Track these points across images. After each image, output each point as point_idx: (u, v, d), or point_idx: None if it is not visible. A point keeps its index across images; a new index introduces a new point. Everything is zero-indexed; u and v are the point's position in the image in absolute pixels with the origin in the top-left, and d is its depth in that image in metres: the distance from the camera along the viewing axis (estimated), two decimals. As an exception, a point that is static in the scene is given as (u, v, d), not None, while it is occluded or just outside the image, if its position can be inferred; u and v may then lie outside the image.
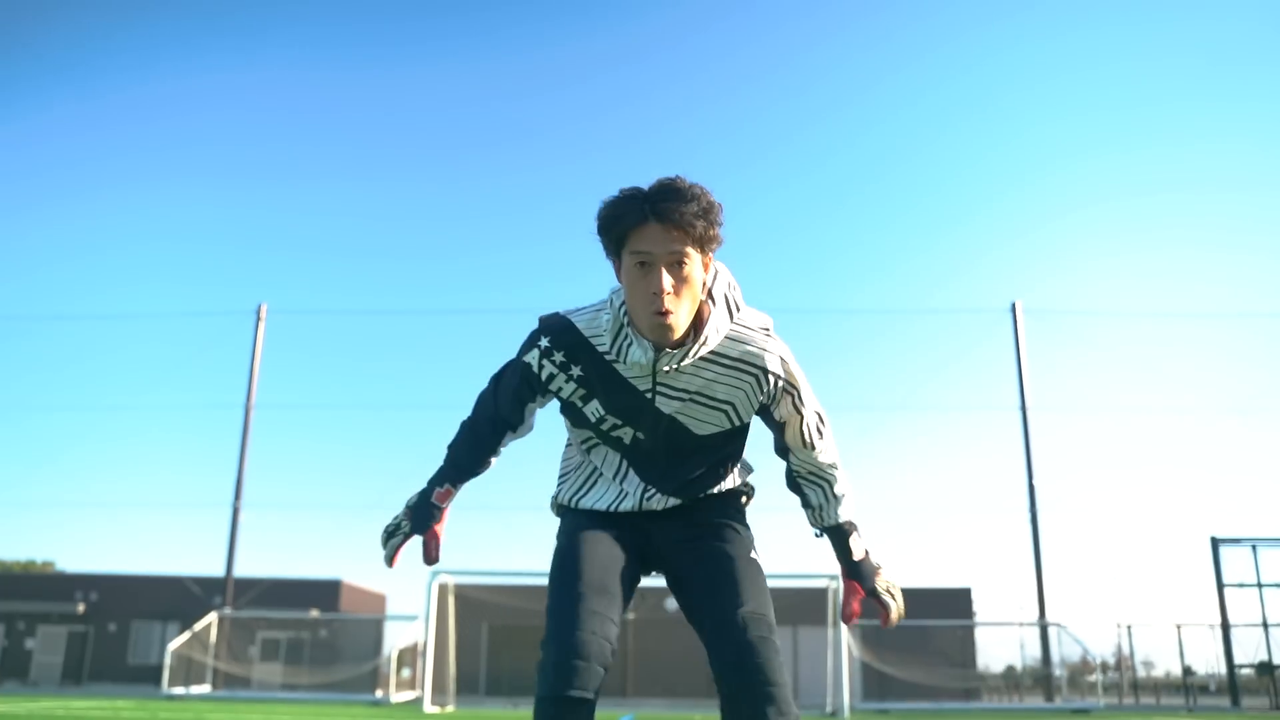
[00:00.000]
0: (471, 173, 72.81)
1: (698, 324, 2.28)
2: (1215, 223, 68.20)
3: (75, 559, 73.64)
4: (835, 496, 2.54)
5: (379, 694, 25.27)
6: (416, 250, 74.66)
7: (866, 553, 2.60)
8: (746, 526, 2.53)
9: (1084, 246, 76.65)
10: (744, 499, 2.58)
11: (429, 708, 18.30)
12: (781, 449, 2.52)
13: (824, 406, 2.55)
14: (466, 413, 2.59)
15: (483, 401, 2.52)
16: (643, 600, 27.99)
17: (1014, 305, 30.47)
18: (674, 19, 66.02)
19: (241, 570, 30.10)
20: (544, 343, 2.35)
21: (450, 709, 18.98)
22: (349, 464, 59.84)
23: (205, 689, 24.18)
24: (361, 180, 70.74)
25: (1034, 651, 31.91)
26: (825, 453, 2.52)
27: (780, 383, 2.37)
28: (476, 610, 27.19)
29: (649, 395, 2.31)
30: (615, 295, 2.30)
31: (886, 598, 2.63)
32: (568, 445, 2.64)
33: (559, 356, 2.34)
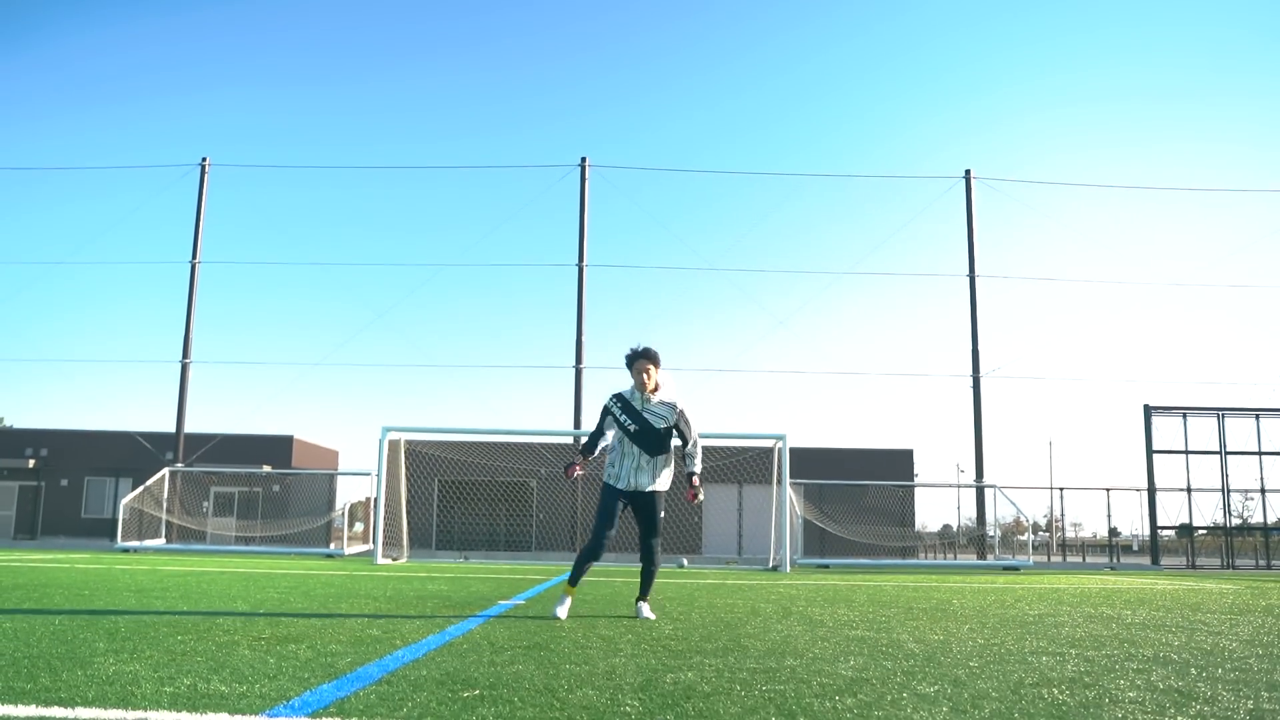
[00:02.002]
0: (427, 27, 70.14)
1: (655, 390, 6.57)
2: (1169, 97, 68.07)
3: (24, 415, 72.90)
4: (692, 457, 6.78)
5: (332, 547, 25.73)
6: (365, 104, 72.31)
7: (697, 478, 6.84)
8: (661, 505, 6.77)
9: (1036, 118, 76.36)
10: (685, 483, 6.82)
11: (381, 560, 18.75)
12: (678, 437, 6.72)
13: (695, 414, 6.79)
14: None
15: (596, 426, 6.79)
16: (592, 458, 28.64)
17: (967, 173, 30.45)
18: None
19: (193, 426, 30.16)
20: (612, 399, 6.66)
21: (402, 561, 19.44)
22: (299, 321, 59.38)
23: (159, 542, 24.43)
24: (309, 29, 67.91)
25: (970, 512, 33.15)
26: (693, 443, 6.75)
27: (678, 413, 6.63)
28: (427, 466, 27.58)
29: (642, 412, 6.55)
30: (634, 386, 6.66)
31: (698, 487, 6.87)
32: (611, 450, 6.82)
33: (617, 402, 6.63)
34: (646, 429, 6.54)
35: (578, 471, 6.57)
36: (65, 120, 65.45)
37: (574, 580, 6.69)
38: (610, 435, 6.75)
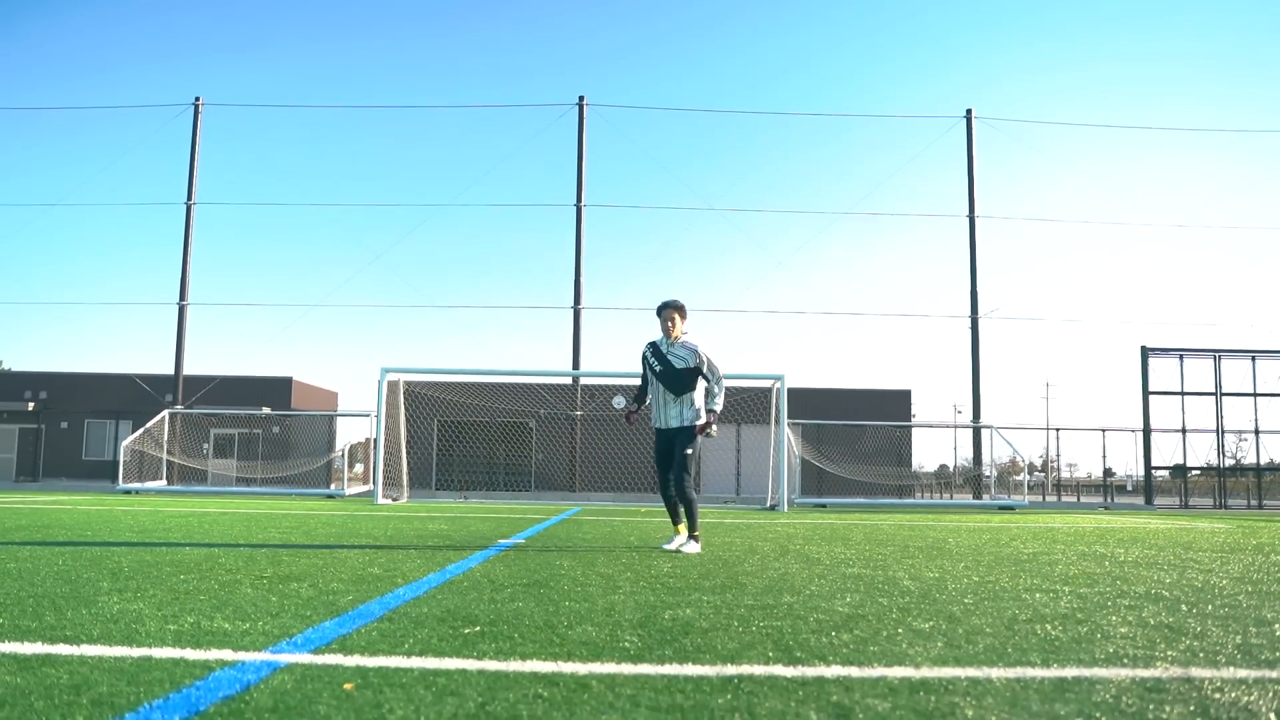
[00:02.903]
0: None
1: (678, 336, 7.39)
2: (1170, 36, 67.06)
3: (23, 358, 72.93)
4: (713, 395, 7.29)
5: (333, 487, 25.89)
6: (360, 44, 71.24)
7: (713, 417, 7.24)
8: (691, 437, 7.30)
9: (1038, 56, 75.37)
10: (700, 418, 7.36)
11: (381, 500, 18.86)
12: (702, 378, 7.36)
13: (719, 358, 7.35)
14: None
15: (641, 375, 7.56)
16: (590, 399, 28.89)
17: (968, 113, 30.10)
18: None
19: (192, 369, 30.18)
20: (647, 347, 7.45)
21: (402, 501, 19.51)
22: (297, 263, 59.19)
23: (160, 484, 24.55)
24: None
25: (966, 452, 33.27)
26: (715, 380, 7.30)
27: (700, 355, 7.26)
28: (427, 407, 27.69)
29: (666, 354, 7.33)
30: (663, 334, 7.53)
31: (712, 424, 7.29)
32: (649, 399, 7.62)
33: (650, 348, 7.42)
34: (669, 369, 7.34)
35: (634, 418, 7.56)
36: (62, 62, 64.57)
37: (676, 519, 7.37)
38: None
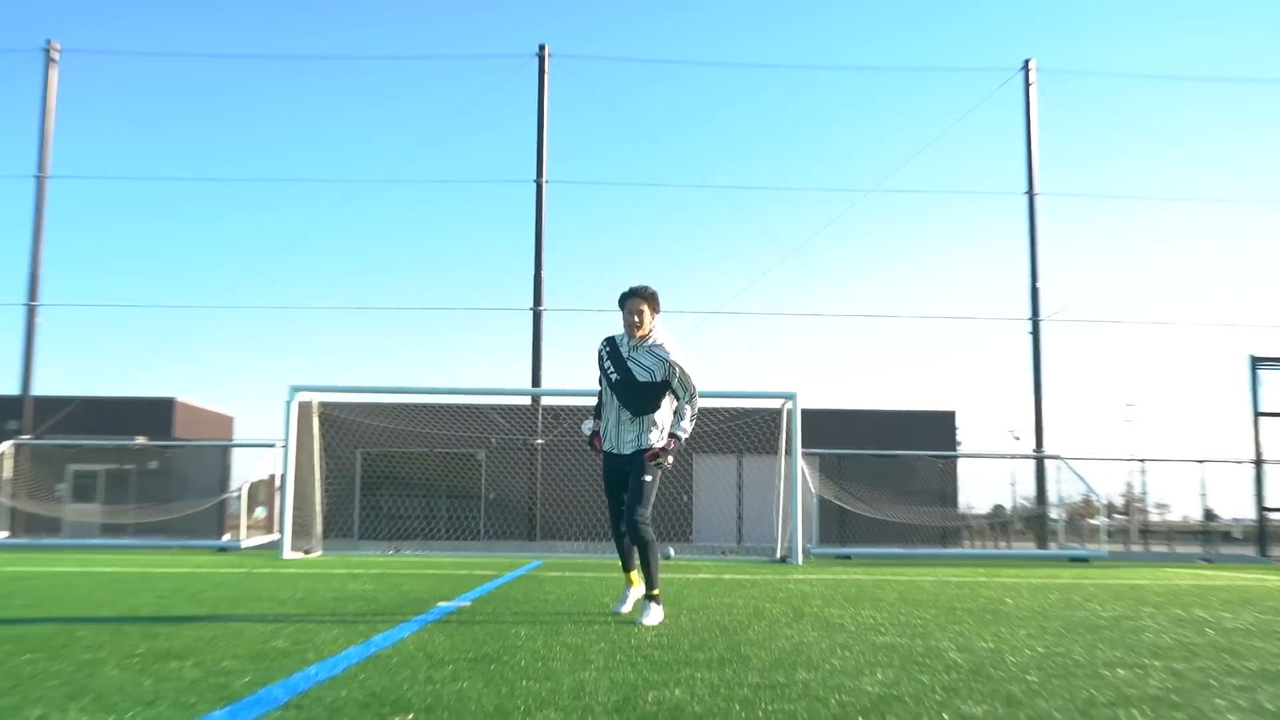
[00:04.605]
0: None
1: (645, 336, 7.21)
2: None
3: None
4: (681, 416, 7.22)
5: (226, 538, 25.56)
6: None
7: (673, 443, 7.16)
8: (651, 459, 7.12)
9: (1108, 4, 75.73)
10: (665, 442, 7.24)
11: (289, 554, 18.67)
12: (671, 395, 7.28)
13: (695, 369, 7.27)
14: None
15: (599, 379, 7.46)
16: (555, 423, 28.69)
17: (1026, 64, 30.28)
18: None
19: (45, 388, 29.80)
20: (603, 343, 7.36)
21: (316, 555, 19.37)
22: (183, 254, 58.79)
23: (2, 535, 24.30)
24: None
25: (1027, 489, 33.10)
26: (689, 397, 7.22)
27: (672, 366, 7.12)
28: (348, 435, 27.45)
29: (627, 359, 7.19)
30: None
31: (667, 451, 7.16)
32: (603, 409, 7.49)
33: (606, 345, 7.32)
34: (628, 381, 7.16)
35: (598, 446, 7.37)
36: None
37: (627, 566, 7.44)
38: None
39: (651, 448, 7.08)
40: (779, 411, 21.50)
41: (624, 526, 7.09)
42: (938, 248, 65.07)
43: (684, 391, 7.15)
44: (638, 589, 7.31)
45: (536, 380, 27.74)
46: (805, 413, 20.03)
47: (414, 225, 62.18)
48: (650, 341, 7.15)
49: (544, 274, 28.49)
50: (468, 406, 29.07)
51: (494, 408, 29.30)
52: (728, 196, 48.03)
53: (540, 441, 28.27)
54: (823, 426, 28.70)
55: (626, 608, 7.24)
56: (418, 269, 59.31)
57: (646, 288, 7.19)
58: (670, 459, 7.14)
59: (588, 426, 7.44)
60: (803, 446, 19.98)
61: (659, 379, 7.10)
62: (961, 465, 33.60)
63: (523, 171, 29.74)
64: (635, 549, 7.15)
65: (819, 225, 57.36)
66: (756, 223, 56.59)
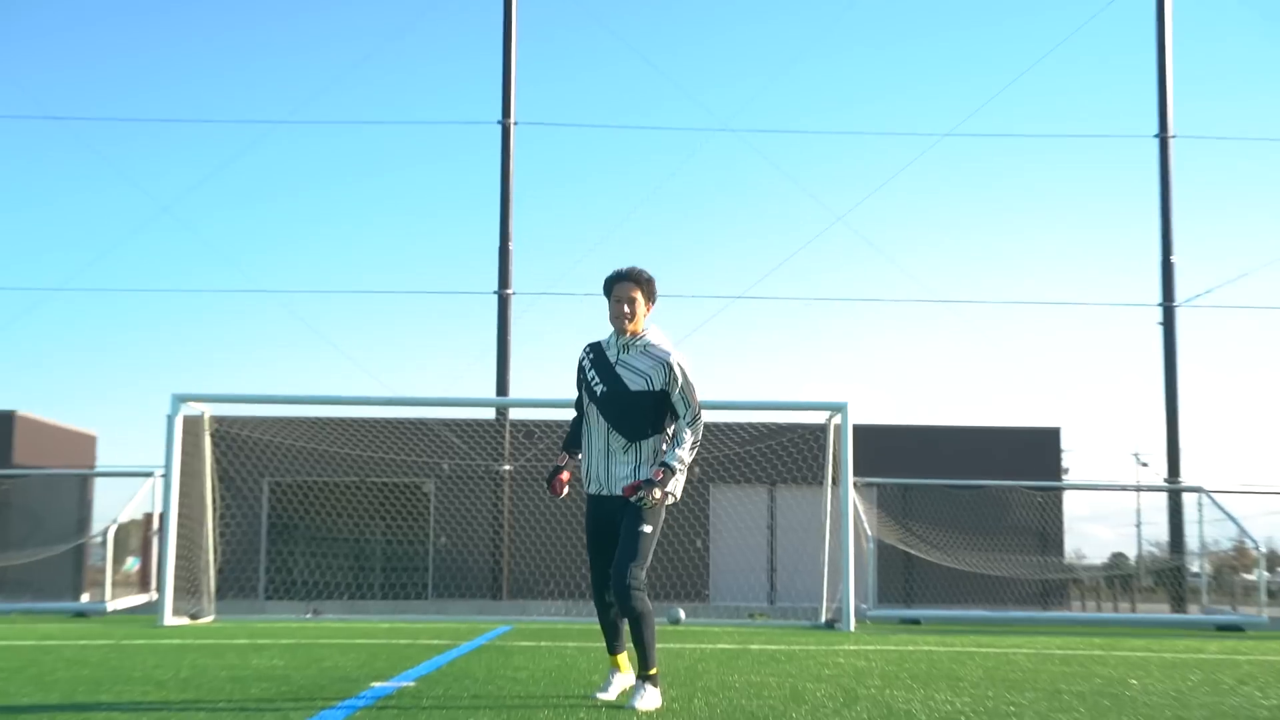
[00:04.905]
0: None
1: (637, 333, 7.38)
2: None
3: None
4: (679, 440, 7.27)
5: (86, 598, 25.43)
6: None
7: (663, 473, 7.10)
8: (650, 507, 7.10)
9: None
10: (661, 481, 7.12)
11: (171, 619, 18.46)
12: (671, 412, 7.42)
13: (699, 378, 7.39)
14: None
15: (577, 396, 7.58)
16: (527, 444, 28.67)
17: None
18: None
19: None
20: (585, 350, 7.57)
21: (208, 620, 19.29)
22: (28, 220, 58.29)
23: None
24: None
25: (1158, 532, 32.70)
26: (691, 416, 7.34)
27: (672, 371, 7.25)
28: (251, 459, 27.18)
29: (615, 364, 7.35)
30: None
31: (653, 483, 7.05)
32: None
33: (589, 351, 7.52)
34: (617, 392, 7.20)
35: (565, 481, 7.41)
36: None
37: (614, 646, 7.47)
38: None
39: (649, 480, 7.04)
40: (824, 428, 21.44)
41: (609, 595, 7.08)
42: (1034, 213, 64.18)
43: (685, 407, 7.21)
44: (626, 675, 7.30)
45: (503, 387, 27.55)
46: (859, 429, 19.93)
47: (342, 183, 61.43)
48: (646, 338, 7.28)
49: (512, 247, 28.29)
50: (412, 421, 28.99)
51: (447, 423, 28.99)
52: (752, 143, 47.20)
53: (507, 468, 28.06)
54: (882, 447, 28.36)
55: (608, 694, 7.17)
56: (344, 243, 58.41)
57: (638, 270, 7.34)
58: (658, 495, 6.99)
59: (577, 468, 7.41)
60: (856, 474, 19.98)
61: (657, 387, 7.16)
62: (1069, 499, 33.20)
63: (485, 111, 30.29)
64: (626, 622, 7.13)
65: (875, 183, 56.33)
66: (792, 178, 56.07)
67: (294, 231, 56.63)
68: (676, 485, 7.08)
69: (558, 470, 7.36)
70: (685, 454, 7.10)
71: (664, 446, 7.20)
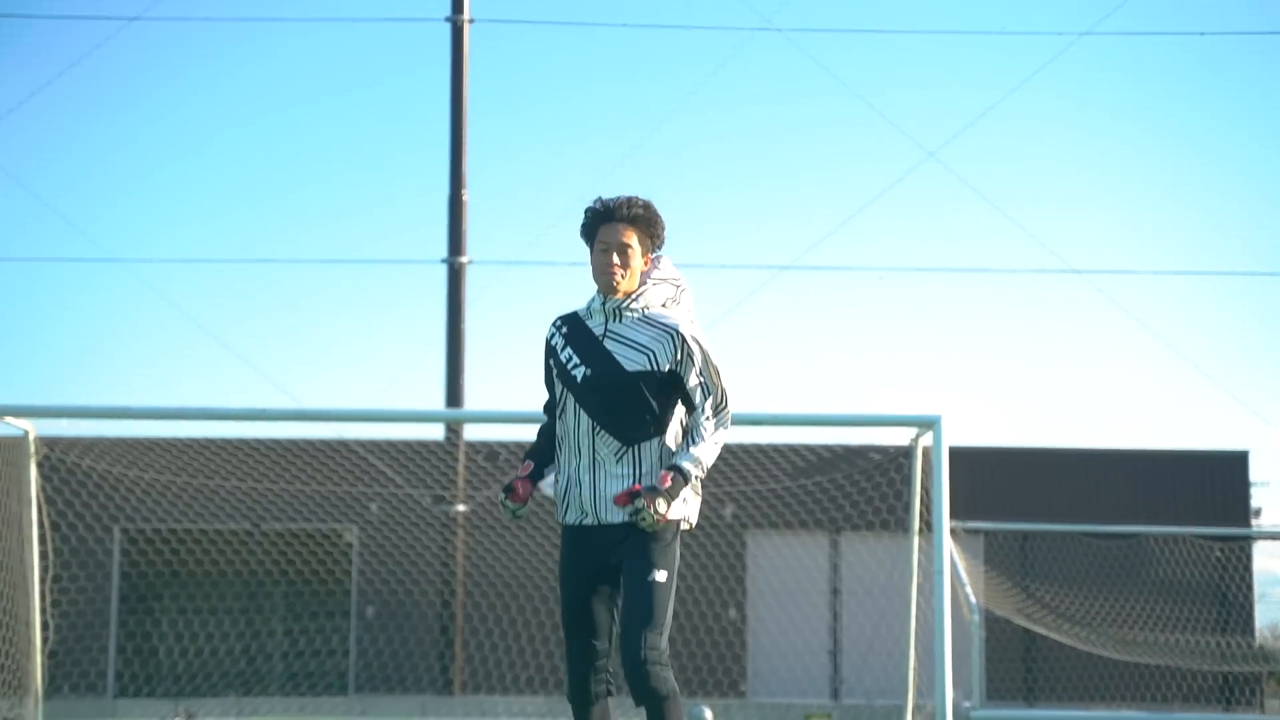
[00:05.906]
0: None
1: (634, 290, 5.91)
2: None
3: None
4: (698, 434, 5.92)
5: None
6: None
7: (673, 479, 5.65)
8: (664, 543, 5.71)
9: None
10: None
11: (-26, 728, 18.43)
12: (685, 402, 5.91)
13: (725, 365, 6.03)
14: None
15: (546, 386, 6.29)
16: (492, 470, 28.43)
17: None
18: None
19: None
20: (553, 327, 6.20)
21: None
22: None
23: None
24: None
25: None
26: (714, 406, 5.91)
27: (685, 345, 5.77)
28: (95, 496, 25.83)
29: (602, 339, 5.89)
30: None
31: (658, 493, 5.52)
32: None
33: (560, 326, 6.15)
34: (607, 375, 6.04)
35: (524, 493, 6.27)
36: None
37: None
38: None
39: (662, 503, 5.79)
40: (908, 452, 19.48)
41: (595, 684, 5.92)
42: (1192, 150, 60.38)
43: (705, 395, 5.96)
44: None
45: (455, 394, 26.60)
46: (957, 453, 19.18)
47: (220, 115, 58.02)
48: (646, 298, 6.03)
49: (467, 196, 27.02)
50: (328, 443, 28.35)
51: (378, 445, 28.98)
52: (805, 47, 43.65)
53: (461, 507, 26.99)
54: (991, 479, 28.95)
55: None
56: (232, 198, 55.35)
57: (636, 201, 6.07)
58: (664, 508, 5.58)
59: (551, 485, 6.37)
60: (954, 517, 19.14)
61: (663, 367, 5.83)
62: (1261, 554, 32.04)
63: (429, 6, 28.07)
64: (636, 700, 6.02)
65: (976, 112, 52.60)
66: (865, 99, 51.97)
67: (158, 182, 53.87)
68: (692, 504, 5.99)
69: (514, 480, 6.17)
70: (706, 455, 5.92)
71: (665, 450, 6.01)
